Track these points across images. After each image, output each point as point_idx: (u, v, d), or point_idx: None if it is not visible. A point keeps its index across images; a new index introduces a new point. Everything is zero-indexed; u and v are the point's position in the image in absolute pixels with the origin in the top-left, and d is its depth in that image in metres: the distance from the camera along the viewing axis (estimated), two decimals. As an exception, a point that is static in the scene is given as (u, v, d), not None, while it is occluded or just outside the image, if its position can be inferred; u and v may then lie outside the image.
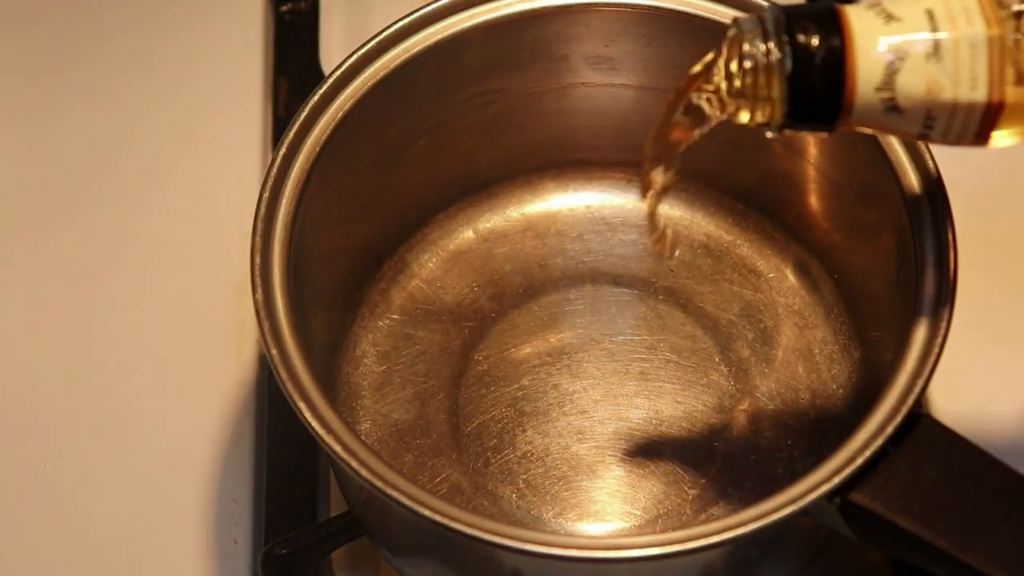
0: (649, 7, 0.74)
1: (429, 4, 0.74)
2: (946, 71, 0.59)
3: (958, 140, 0.61)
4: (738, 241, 0.80)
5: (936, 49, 0.59)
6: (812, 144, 0.75)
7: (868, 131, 0.62)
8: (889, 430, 0.63)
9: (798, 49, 0.60)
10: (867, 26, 0.59)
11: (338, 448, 0.64)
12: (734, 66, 0.61)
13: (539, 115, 0.79)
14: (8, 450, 0.81)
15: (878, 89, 0.59)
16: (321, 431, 0.65)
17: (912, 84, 0.59)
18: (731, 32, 0.62)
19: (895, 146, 0.70)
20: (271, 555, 0.74)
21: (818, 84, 0.60)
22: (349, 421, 0.75)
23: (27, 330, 0.84)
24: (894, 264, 0.70)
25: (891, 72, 0.59)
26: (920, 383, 0.65)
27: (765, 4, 0.72)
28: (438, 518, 0.62)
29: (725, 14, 0.73)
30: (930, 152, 0.69)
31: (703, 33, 0.74)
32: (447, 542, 0.66)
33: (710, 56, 0.63)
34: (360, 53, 0.73)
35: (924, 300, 0.67)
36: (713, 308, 0.78)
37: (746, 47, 0.61)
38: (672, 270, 0.80)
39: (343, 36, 0.92)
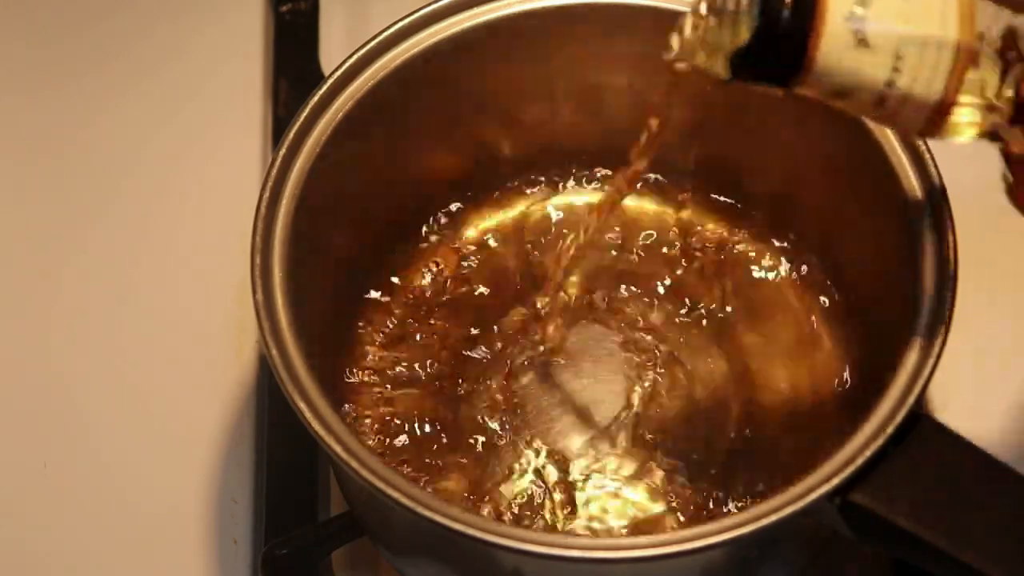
0: (649, 7, 0.74)
1: (429, 4, 0.74)
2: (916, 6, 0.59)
3: (924, 96, 0.59)
4: (738, 240, 0.80)
5: None
6: (813, 144, 0.75)
7: (827, 95, 0.60)
8: (889, 430, 0.63)
9: None
10: None
11: (338, 448, 0.64)
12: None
13: (539, 115, 0.79)
14: (8, 450, 0.81)
15: (848, 18, 0.58)
16: (321, 431, 0.65)
17: (884, 13, 0.58)
18: None
19: (895, 145, 0.70)
20: (271, 555, 0.74)
21: (789, 11, 0.58)
22: (349, 420, 0.75)
23: (27, 330, 0.84)
24: (894, 264, 0.70)
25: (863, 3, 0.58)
26: (920, 383, 0.65)
27: None
28: (438, 518, 0.62)
29: (725, 14, 0.73)
30: (930, 152, 0.69)
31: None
32: (447, 542, 0.66)
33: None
34: (360, 53, 0.73)
35: (924, 300, 0.67)
36: (714, 306, 0.78)
37: None
38: (672, 264, 0.80)
39: (343, 36, 0.92)
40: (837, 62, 0.59)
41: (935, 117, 0.60)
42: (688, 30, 0.62)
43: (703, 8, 0.62)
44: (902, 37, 0.59)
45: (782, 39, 0.59)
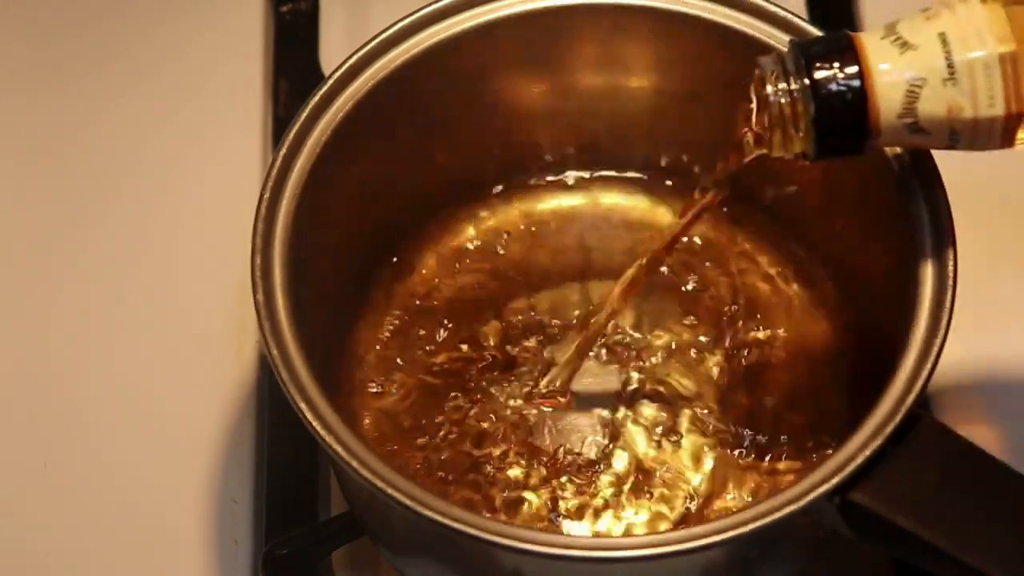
0: (649, 8, 0.74)
1: (429, 4, 0.74)
2: (964, 92, 0.60)
3: (985, 147, 0.62)
4: (739, 239, 0.80)
5: (952, 73, 0.60)
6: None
7: (902, 143, 0.64)
8: (889, 430, 0.63)
9: (819, 87, 0.61)
10: (883, 56, 0.61)
11: (338, 448, 0.64)
12: (761, 106, 0.63)
13: (539, 115, 0.79)
14: (8, 450, 0.81)
15: (900, 116, 0.61)
16: (321, 431, 0.65)
17: (932, 109, 0.60)
18: (756, 73, 0.63)
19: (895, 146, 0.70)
20: (271, 555, 0.74)
21: (841, 119, 0.61)
22: (349, 420, 0.75)
23: (27, 330, 0.84)
24: (894, 264, 0.70)
25: (911, 99, 0.60)
26: (920, 383, 0.65)
27: (771, 6, 0.72)
28: (438, 518, 0.62)
29: (724, 14, 0.73)
30: (929, 152, 0.69)
31: (702, 33, 0.74)
32: (447, 542, 0.66)
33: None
34: (360, 53, 0.73)
35: (924, 300, 0.67)
36: (714, 305, 0.78)
37: (769, 88, 0.62)
38: (672, 266, 0.80)
39: (343, 36, 0.92)
40: (898, 140, 0.63)
41: (1008, 130, 0.62)
42: (753, 139, 0.65)
43: (754, 122, 0.65)
44: (954, 124, 0.61)
45: (842, 140, 0.62)
